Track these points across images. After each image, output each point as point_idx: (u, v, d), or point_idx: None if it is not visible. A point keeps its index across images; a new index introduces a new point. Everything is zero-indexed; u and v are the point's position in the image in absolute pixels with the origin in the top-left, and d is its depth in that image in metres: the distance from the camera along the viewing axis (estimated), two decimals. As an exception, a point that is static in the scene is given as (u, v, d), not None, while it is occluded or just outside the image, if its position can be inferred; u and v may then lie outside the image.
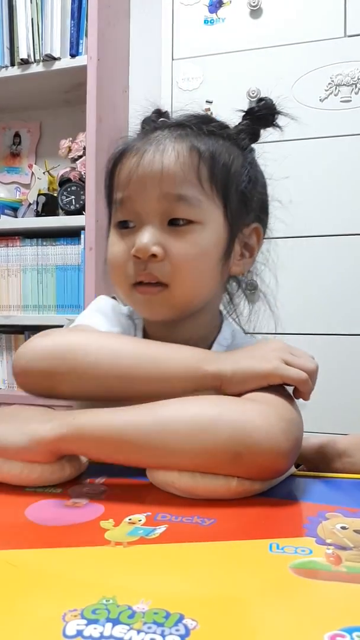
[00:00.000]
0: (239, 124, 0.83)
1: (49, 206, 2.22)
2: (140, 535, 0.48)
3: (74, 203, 2.15)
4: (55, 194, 2.23)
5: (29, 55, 2.18)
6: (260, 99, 0.83)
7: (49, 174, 2.34)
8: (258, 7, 1.81)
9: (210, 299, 0.82)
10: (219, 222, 0.75)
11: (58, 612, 0.35)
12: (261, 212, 0.85)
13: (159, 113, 0.87)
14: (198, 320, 0.81)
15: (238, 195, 0.77)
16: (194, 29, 1.89)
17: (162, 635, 0.33)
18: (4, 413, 0.67)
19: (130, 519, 0.52)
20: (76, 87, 2.18)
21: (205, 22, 1.88)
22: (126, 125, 2.37)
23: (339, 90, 1.74)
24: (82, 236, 2.13)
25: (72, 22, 2.15)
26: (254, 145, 0.85)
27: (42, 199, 2.23)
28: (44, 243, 2.23)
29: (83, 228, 2.10)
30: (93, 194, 2.06)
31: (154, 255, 0.71)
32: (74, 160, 2.23)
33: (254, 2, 1.81)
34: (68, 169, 2.22)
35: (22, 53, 2.18)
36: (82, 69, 2.10)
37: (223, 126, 0.81)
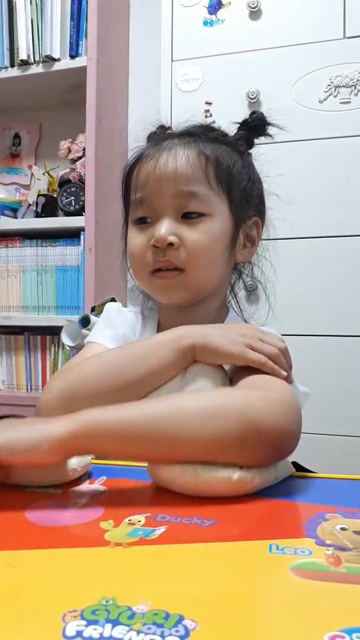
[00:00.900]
0: (236, 133, 0.96)
1: (48, 207, 2.23)
2: (140, 536, 0.48)
3: (73, 204, 2.15)
4: (55, 195, 2.23)
5: (28, 56, 2.18)
6: (253, 112, 0.97)
7: (49, 174, 2.34)
8: (257, 8, 1.81)
9: (219, 285, 0.93)
10: (225, 214, 0.87)
11: (58, 613, 0.35)
12: (260, 205, 0.97)
13: (163, 128, 0.98)
14: (209, 306, 0.93)
15: (240, 191, 0.89)
16: (194, 30, 1.89)
17: (162, 636, 0.33)
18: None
19: (129, 520, 0.52)
20: (76, 88, 2.18)
21: (205, 23, 1.88)
22: (126, 126, 2.37)
23: (338, 92, 1.74)
24: (81, 237, 2.13)
25: (72, 23, 2.16)
26: (254, 148, 0.98)
27: (42, 200, 2.23)
28: (44, 244, 2.24)
29: (82, 229, 2.10)
30: (92, 195, 2.07)
31: (171, 244, 0.82)
32: (74, 161, 2.23)
33: (253, 4, 1.81)
34: (68, 170, 2.22)
35: (22, 54, 2.18)
36: (82, 70, 2.10)
37: (224, 134, 0.94)
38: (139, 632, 0.34)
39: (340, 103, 1.74)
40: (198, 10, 1.89)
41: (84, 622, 0.34)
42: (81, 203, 2.12)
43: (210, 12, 1.88)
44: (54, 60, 2.16)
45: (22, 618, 0.36)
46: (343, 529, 0.50)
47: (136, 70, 2.39)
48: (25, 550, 0.46)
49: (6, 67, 2.23)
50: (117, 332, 0.95)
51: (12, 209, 2.35)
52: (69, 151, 2.25)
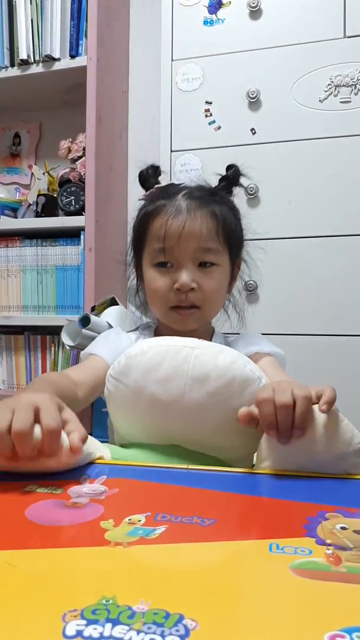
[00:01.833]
0: (218, 184, 1.16)
1: (48, 207, 2.22)
2: (140, 536, 0.48)
3: (73, 203, 2.15)
4: (55, 195, 2.22)
5: (28, 56, 2.18)
6: (229, 167, 1.17)
7: (49, 174, 2.33)
8: (257, 7, 1.81)
9: None
10: (227, 261, 1.10)
11: (58, 613, 0.35)
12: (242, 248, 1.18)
13: (154, 168, 1.17)
14: (204, 327, 1.16)
15: (235, 242, 1.12)
16: (194, 29, 1.89)
17: (162, 635, 0.33)
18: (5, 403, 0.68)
19: (130, 519, 0.52)
20: (76, 87, 2.18)
21: (205, 22, 1.88)
22: (126, 125, 2.37)
23: (338, 91, 1.74)
24: (81, 237, 2.12)
25: (72, 22, 2.15)
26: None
27: (42, 200, 2.23)
28: (44, 243, 2.23)
29: (83, 228, 2.10)
30: (93, 195, 2.06)
31: (192, 289, 1.03)
32: (74, 160, 2.23)
33: (253, 3, 1.81)
34: (68, 170, 2.21)
35: (22, 54, 2.18)
36: (82, 70, 2.09)
37: (221, 195, 1.13)
38: (139, 631, 0.34)
39: (341, 102, 1.74)
40: (198, 9, 1.89)
41: (84, 622, 0.34)
42: (81, 203, 2.12)
43: (211, 12, 1.88)
44: (54, 59, 2.16)
45: (22, 618, 0.36)
46: (343, 528, 0.50)
47: (136, 69, 2.39)
48: (25, 550, 0.46)
49: (6, 67, 2.23)
50: (118, 345, 1.09)
51: (12, 209, 2.35)
52: (69, 151, 2.24)
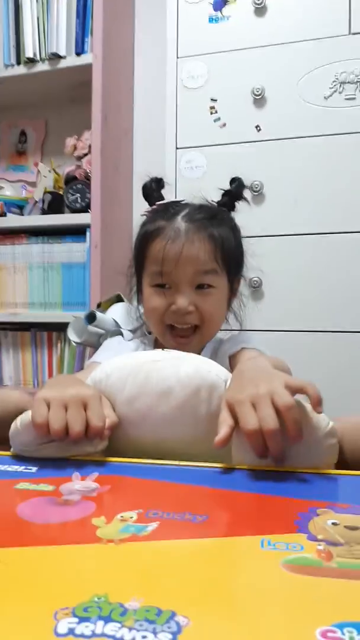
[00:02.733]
0: (221, 199, 1.16)
1: (54, 204, 2.23)
2: (132, 533, 0.48)
3: (79, 201, 2.16)
4: (61, 192, 2.23)
5: (34, 54, 2.19)
6: (233, 180, 1.17)
7: (55, 172, 2.34)
8: (263, 4, 1.81)
9: None
10: (225, 283, 1.10)
11: (49, 611, 0.35)
12: (242, 265, 1.18)
13: (157, 181, 1.18)
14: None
15: (234, 262, 1.12)
16: (199, 27, 1.89)
17: (154, 632, 0.33)
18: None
19: (122, 516, 0.52)
20: (81, 85, 2.18)
21: (210, 20, 1.88)
22: (131, 123, 2.37)
23: (343, 88, 1.73)
24: (87, 234, 2.13)
25: (78, 20, 2.16)
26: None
27: (48, 197, 2.24)
28: (50, 241, 2.24)
29: (88, 226, 2.11)
30: (98, 192, 2.07)
31: (189, 312, 1.05)
32: (80, 158, 2.23)
33: (258, 0, 1.81)
34: (74, 167, 2.22)
35: (28, 52, 2.19)
36: (88, 67, 2.10)
37: (222, 216, 1.13)
38: (131, 628, 0.34)
39: (346, 99, 1.73)
40: (203, 7, 1.89)
41: (76, 620, 0.34)
42: (87, 200, 2.13)
43: (216, 9, 1.87)
44: (60, 57, 2.17)
45: (13, 616, 0.36)
46: (334, 524, 0.50)
47: (141, 67, 2.39)
48: (16, 548, 0.46)
49: (12, 65, 2.24)
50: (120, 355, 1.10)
51: (19, 206, 2.36)
52: (75, 148, 2.25)
